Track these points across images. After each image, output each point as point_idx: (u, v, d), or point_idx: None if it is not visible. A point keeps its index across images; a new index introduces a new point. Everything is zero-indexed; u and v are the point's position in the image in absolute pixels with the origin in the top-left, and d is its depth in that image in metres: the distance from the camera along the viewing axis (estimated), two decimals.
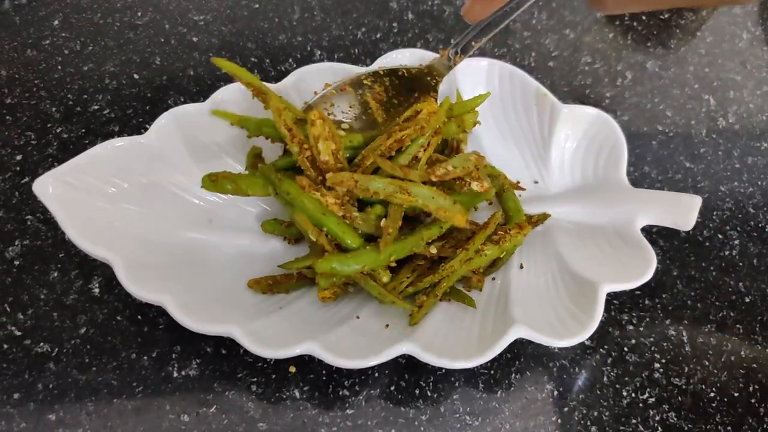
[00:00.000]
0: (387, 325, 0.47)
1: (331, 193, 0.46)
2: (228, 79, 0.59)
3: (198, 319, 0.43)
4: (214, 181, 0.46)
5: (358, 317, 0.47)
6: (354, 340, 0.44)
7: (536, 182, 0.59)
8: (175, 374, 0.47)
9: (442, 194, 0.46)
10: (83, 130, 0.61)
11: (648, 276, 0.46)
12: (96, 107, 0.63)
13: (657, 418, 0.48)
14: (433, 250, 0.48)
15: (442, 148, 0.56)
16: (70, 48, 0.67)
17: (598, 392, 0.49)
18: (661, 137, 0.67)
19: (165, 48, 0.68)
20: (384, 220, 0.46)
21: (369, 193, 0.45)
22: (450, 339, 0.45)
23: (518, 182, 0.58)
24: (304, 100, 0.54)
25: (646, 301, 0.55)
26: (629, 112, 0.68)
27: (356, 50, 0.70)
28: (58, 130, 0.61)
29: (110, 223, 0.47)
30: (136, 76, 0.66)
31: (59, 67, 0.65)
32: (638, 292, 0.54)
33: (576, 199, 0.56)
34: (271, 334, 0.44)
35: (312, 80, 0.55)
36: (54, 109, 0.62)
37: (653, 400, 0.49)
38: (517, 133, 0.60)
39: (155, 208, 0.50)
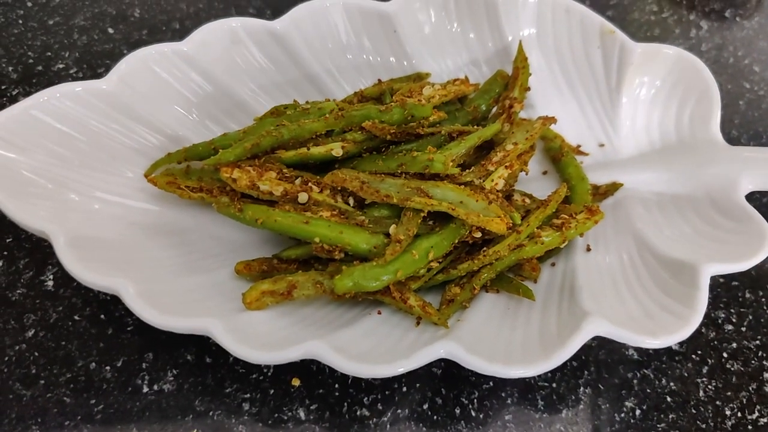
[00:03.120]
0: (418, 321, 0.43)
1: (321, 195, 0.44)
2: None
3: (164, 312, 0.39)
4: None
5: (379, 312, 0.44)
6: (374, 340, 0.41)
7: (602, 145, 0.55)
8: (146, 389, 0.43)
9: (473, 195, 0.43)
10: None
11: (763, 254, 0.43)
12: (61, 66, 0.61)
13: None
14: (478, 234, 0.44)
15: (488, 113, 0.52)
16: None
17: (693, 411, 0.44)
18: (750, 96, 0.65)
19: None
20: (394, 226, 0.43)
21: (379, 196, 0.43)
22: (502, 338, 0.41)
23: (579, 146, 0.54)
24: (308, 42, 0.53)
25: (747, 294, 0.50)
26: (708, 68, 0.64)
27: None
28: (14, 93, 0.58)
29: (54, 190, 0.44)
30: (110, 31, 0.64)
31: (20, 21, 0.64)
32: (735, 283, 0.50)
33: (655, 164, 0.53)
34: (263, 331, 0.40)
35: (317, 20, 0.53)
36: (11, 68, 0.60)
37: (766, 420, 0.44)
38: (576, 83, 0.57)
39: (113, 171, 0.48)
